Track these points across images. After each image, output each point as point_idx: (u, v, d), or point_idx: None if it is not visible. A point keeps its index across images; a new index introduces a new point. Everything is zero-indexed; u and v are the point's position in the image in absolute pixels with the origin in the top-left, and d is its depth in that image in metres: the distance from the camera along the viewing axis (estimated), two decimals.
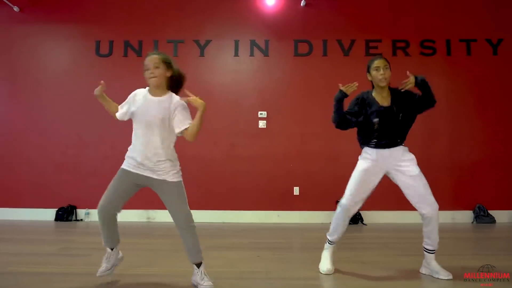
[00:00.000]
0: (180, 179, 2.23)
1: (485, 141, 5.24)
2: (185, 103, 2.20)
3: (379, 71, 2.45)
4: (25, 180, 5.29)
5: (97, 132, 5.30)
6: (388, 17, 5.43)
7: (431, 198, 2.37)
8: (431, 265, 2.42)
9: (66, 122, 5.38)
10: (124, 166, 2.22)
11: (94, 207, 5.08)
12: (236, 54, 5.48)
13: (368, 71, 2.54)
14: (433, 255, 2.43)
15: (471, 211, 5.11)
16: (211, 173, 5.26)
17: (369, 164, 2.47)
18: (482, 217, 4.96)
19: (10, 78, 5.48)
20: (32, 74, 5.48)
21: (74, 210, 5.25)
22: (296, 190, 5.22)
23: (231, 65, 5.48)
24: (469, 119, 5.26)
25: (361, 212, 4.97)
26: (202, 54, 5.46)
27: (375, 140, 2.48)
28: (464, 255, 3.14)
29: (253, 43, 5.48)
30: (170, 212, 2.20)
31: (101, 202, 2.19)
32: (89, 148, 5.30)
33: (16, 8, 5.52)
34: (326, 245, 2.61)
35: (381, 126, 2.46)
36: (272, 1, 5.48)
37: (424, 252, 2.47)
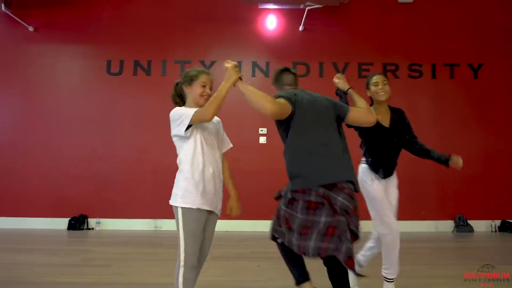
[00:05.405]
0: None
1: (466, 158, 5.56)
2: None
3: (378, 86, 2.47)
4: (40, 191, 5.58)
5: (108, 146, 5.59)
6: (379, 42, 5.85)
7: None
8: None
9: (79, 136, 5.68)
10: (194, 205, 1.97)
11: (104, 216, 5.51)
12: None
13: (368, 87, 2.53)
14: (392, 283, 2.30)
15: (452, 221, 5.54)
16: None
17: (378, 183, 2.50)
18: (462, 226, 5.40)
19: (26, 95, 5.77)
20: (47, 91, 5.78)
21: (86, 220, 5.54)
22: None
23: None
24: (451, 136, 5.67)
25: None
26: None
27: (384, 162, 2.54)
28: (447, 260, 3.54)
29: (254, 64, 5.85)
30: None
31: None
32: (100, 161, 5.58)
33: (31, 28, 5.81)
34: (391, 284, 2.38)
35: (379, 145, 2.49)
36: (272, 25, 5.87)
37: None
